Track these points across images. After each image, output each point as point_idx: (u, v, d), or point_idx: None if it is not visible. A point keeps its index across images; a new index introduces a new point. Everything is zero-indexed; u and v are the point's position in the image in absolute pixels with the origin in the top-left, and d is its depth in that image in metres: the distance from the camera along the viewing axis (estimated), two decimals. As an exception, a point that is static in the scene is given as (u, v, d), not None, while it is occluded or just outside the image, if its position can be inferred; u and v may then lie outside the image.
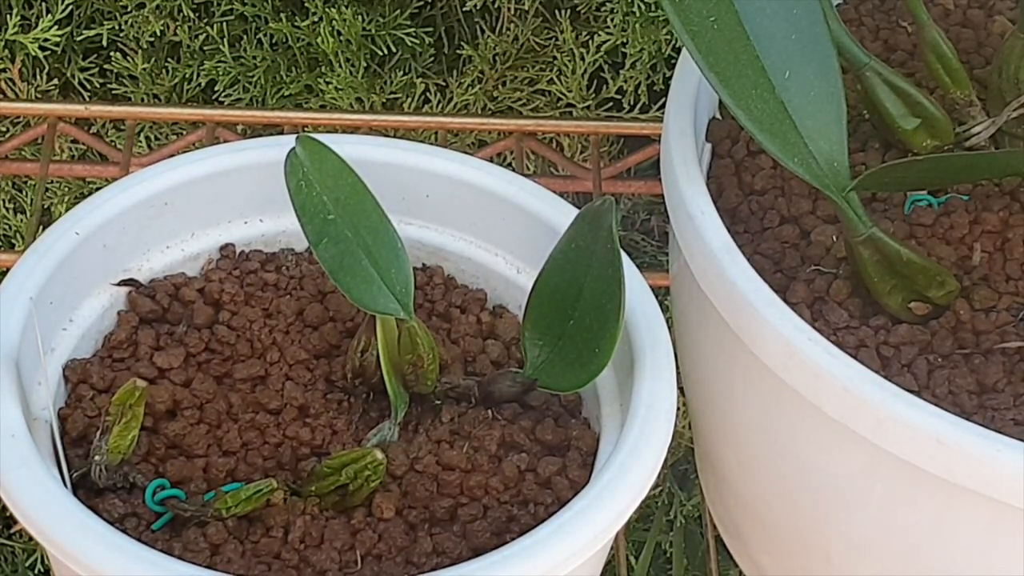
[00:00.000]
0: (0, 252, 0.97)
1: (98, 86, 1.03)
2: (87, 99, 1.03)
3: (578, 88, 1.03)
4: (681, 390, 0.63)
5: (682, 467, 1.11)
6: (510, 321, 0.63)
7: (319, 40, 0.98)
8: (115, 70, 1.02)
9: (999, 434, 0.54)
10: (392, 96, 1.03)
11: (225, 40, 1.00)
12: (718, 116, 0.68)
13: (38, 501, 0.52)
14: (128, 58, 1.01)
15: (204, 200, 0.63)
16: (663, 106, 0.69)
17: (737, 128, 0.66)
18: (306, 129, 0.87)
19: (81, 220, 0.61)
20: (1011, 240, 0.62)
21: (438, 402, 0.59)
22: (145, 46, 1.01)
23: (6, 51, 1.00)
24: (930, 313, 0.60)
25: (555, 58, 1.03)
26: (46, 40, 0.97)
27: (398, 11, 1.00)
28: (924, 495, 0.57)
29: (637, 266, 0.60)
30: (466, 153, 0.66)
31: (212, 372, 0.60)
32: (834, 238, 0.62)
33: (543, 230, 0.62)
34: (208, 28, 1.01)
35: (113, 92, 1.03)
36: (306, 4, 0.99)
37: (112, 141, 0.97)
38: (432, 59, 1.04)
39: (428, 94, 1.04)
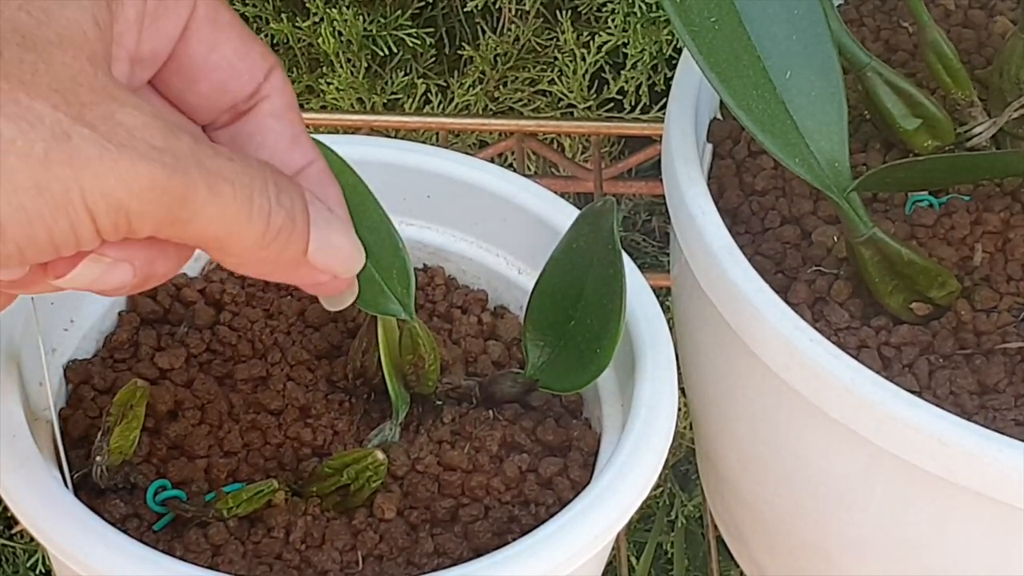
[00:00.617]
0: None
1: (99, 87, 1.03)
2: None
3: (579, 88, 1.03)
4: (682, 390, 0.63)
5: (683, 467, 1.12)
6: (511, 322, 0.63)
7: (320, 41, 0.98)
8: (116, 71, 1.02)
9: (1000, 434, 0.54)
10: (393, 97, 1.03)
11: (226, 41, 1.00)
12: (719, 116, 0.68)
13: (39, 502, 0.52)
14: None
15: (205, 201, 0.63)
16: (664, 106, 0.69)
17: (738, 128, 0.66)
18: (307, 129, 0.87)
19: (82, 221, 0.61)
20: (1012, 240, 0.62)
21: (439, 403, 0.59)
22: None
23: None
24: (931, 314, 0.60)
25: (556, 58, 1.03)
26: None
27: (399, 12, 1.00)
28: (925, 495, 0.57)
29: (638, 267, 0.60)
30: (467, 154, 0.66)
31: (213, 373, 0.60)
32: (835, 239, 0.62)
33: (544, 231, 0.62)
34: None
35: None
36: (307, 5, 0.99)
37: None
38: (433, 60, 1.04)
39: (429, 95, 1.04)
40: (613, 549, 0.62)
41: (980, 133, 0.64)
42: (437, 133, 0.89)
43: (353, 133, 0.83)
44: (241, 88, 0.49)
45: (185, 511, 0.55)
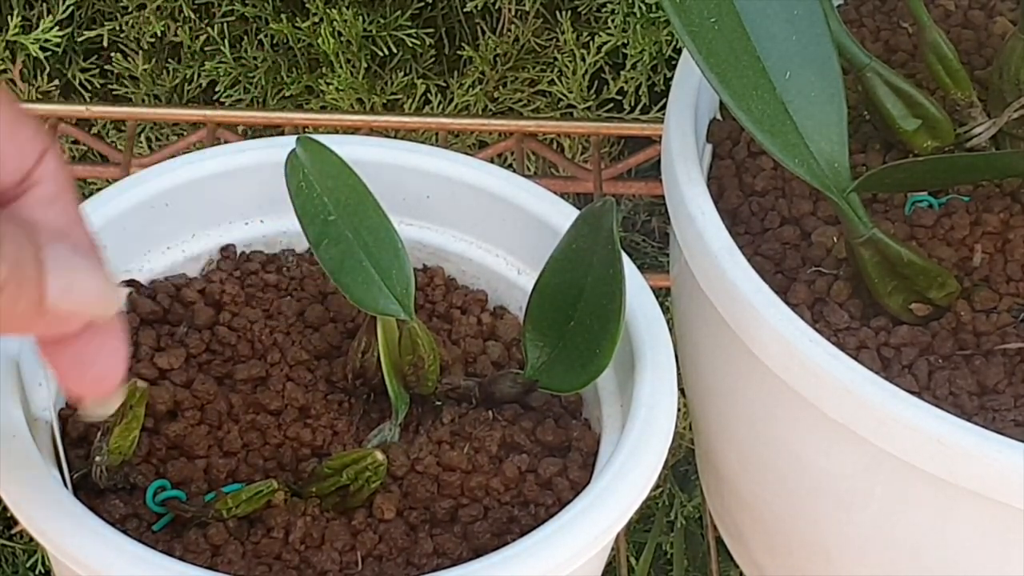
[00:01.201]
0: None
1: (99, 87, 1.03)
2: (88, 100, 1.03)
3: (579, 89, 1.03)
4: (682, 391, 0.63)
5: (683, 468, 1.11)
6: (511, 322, 0.63)
7: (320, 41, 0.98)
8: (116, 71, 1.02)
9: (1000, 435, 0.54)
10: (393, 97, 1.03)
11: (226, 41, 1.00)
12: (719, 117, 0.68)
13: (39, 502, 0.52)
14: (129, 59, 1.01)
15: (205, 201, 0.63)
16: (664, 107, 0.69)
17: (738, 129, 0.66)
18: (307, 130, 0.87)
19: (82, 221, 0.61)
20: (1012, 241, 0.62)
21: (439, 403, 0.59)
22: (146, 47, 1.01)
23: (7, 52, 1.00)
24: (931, 314, 0.60)
25: (556, 59, 1.03)
26: (47, 41, 0.98)
27: (399, 12, 1.00)
28: (925, 496, 0.57)
29: (638, 267, 0.60)
30: (467, 154, 0.66)
31: (213, 373, 0.60)
32: (835, 239, 0.62)
33: (544, 231, 0.62)
34: (209, 29, 1.01)
35: (114, 93, 1.03)
36: (307, 5, 0.99)
37: (113, 142, 0.97)
38: (433, 60, 1.04)
39: (429, 95, 1.04)
40: (613, 549, 0.62)
41: (980, 134, 0.64)
42: (437, 133, 0.89)
43: (353, 133, 0.83)
44: (7, 175, 0.45)
45: (184, 511, 0.55)
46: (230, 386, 0.60)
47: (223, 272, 0.63)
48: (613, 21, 1.01)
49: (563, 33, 1.02)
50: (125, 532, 0.53)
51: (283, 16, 0.99)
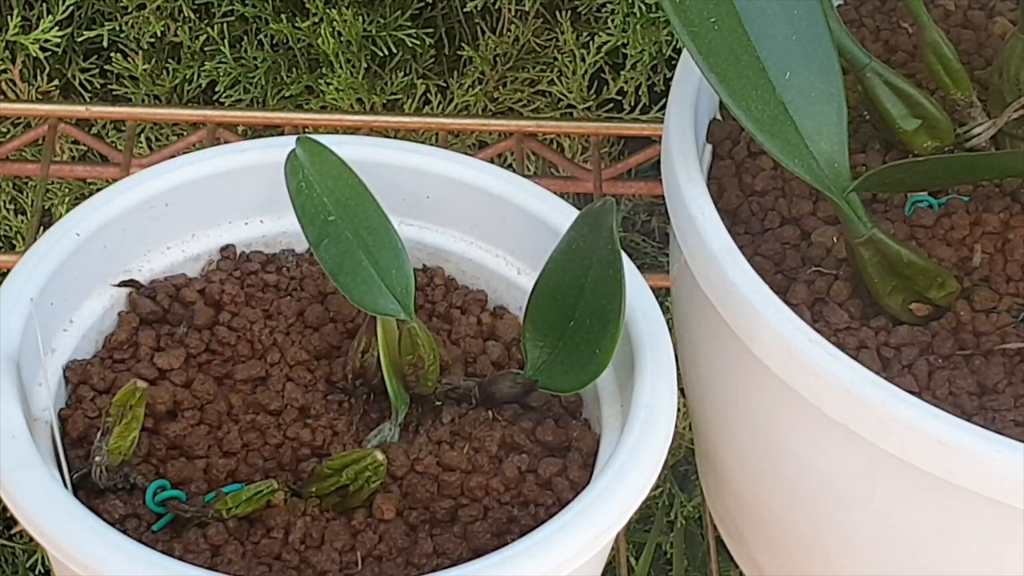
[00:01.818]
0: (1, 253, 0.97)
1: (99, 87, 1.03)
2: (88, 100, 1.03)
3: (579, 89, 1.03)
4: (682, 391, 0.63)
5: (683, 468, 1.11)
6: (511, 322, 0.63)
7: (320, 41, 0.98)
8: (116, 71, 1.02)
9: (999, 435, 0.54)
10: (393, 97, 1.03)
11: (226, 41, 1.00)
12: (719, 117, 0.68)
13: (39, 502, 0.52)
14: (129, 59, 1.01)
15: (205, 201, 0.63)
16: (663, 107, 0.69)
17: (738, 129, 0.66)
18: (307, 130, 0.87)
19: (82, 221, 0.61)
20: (1011, 241, 0.62)
21: (439, 403, 0.59)
22: (146, 47, 1.01)
23: (7, 52, 1.00)
24: (931, 314, 0.60)
25: (556, 59, 1.03)
26: (47, 41, 0.98)
27: (399, 12, 1.00)
28: (925, 496, 0.57)
29: (638, 267, 0.60)
30: (467, 154, 0.66)
31: (213, 373, 0.60)
32: (835, 239, 0.62)
33: (544, 231, 0.62)
34: (209, 29, 1.01)
35: (114, 93, 1.03)
36: (307, 5, 0.99)
37: (113, 142, 0.97)
38: (433, 60, 1.04)
39: (429, 95, 1.04)
40: (612, 549, 0.62)
41: (979, 134, 0.64)
42: (437, 133, 0.89)
43: (353, 133, 0.83)
44: None
45: (184, 511, 0.55)
46: (230, 386, 0.60)
47: (223, 272, 0.63)
48: (613, 21, 1.01)
49: (563, 33, 1.02)
50: (125, 532, 0.53)
51: (283, 16, 0.99)
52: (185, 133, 0.89)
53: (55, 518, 0.52)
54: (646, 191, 0.88)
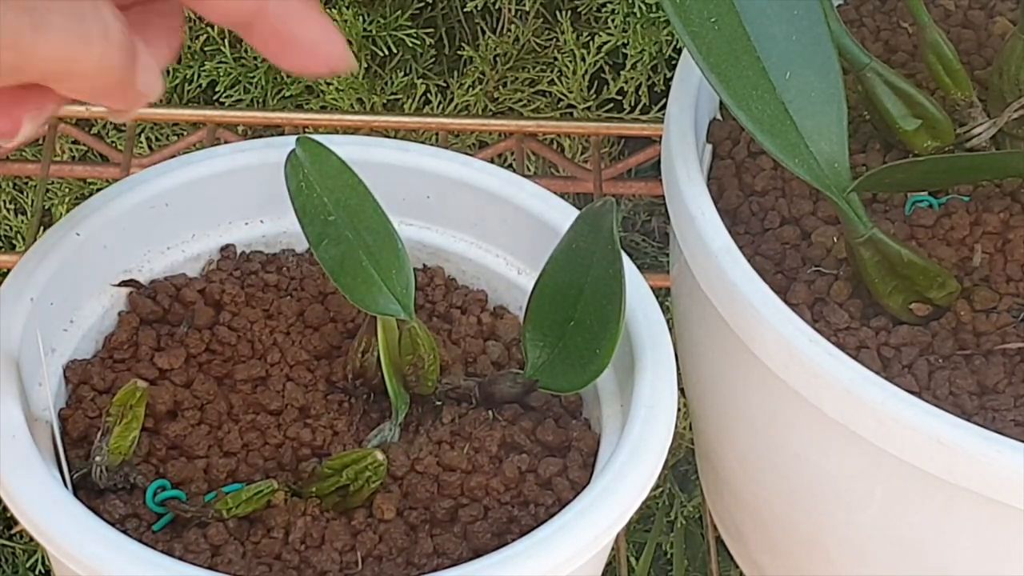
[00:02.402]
0: (1, 253, 0.97)
1: (99, 87, 1.03)
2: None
3: (579, 89, 1.03)
4: (682, 391, 0.63)
5: (683, 468, 1.12)
6: (511, 322, 0.63)
7: (320, 41, 0.98)
8: (116, 71, 1.02)
9: (1000, 435, 0.54)
10: (393, 97, 1.03)
11: (226, 41, 1.00)
12: (719, 117, 0.68)
13: (38, 502, 0.52)
14: (129, 59, 1.01)
15: (205, 201, 0.63)
16: (664, 107, 0.69)
17: (738, 129, 0.66)
18: (307, 130, 0.87)
19: (82, 221, 0.61)
20: (1012, 241, 0.62)
21: (439, 403, 0.59)
22: (146, 47, 1.01)
23: (7, 52, 1.00)
24: (931, 314, 0.60)
25: (556, 59, 1.03)
26: (47, 41, 0.97)
27: (399, 12, 1.00)
28: (925, 496, 0.57)
29: (638, 267, 0.60)
30: (467, 154, 0.66)
31: (213, 373, 0.60)
32: (835, 239, 0.62)
33: (544, 231, 0.62)
34: (209, 29, 1.01)
35: (114, 93, 1.03)
36: (307, 5, 0.99)
37: (113, 142, 0.97)
38: (433, 60, 1.04)
39: (429, 95, 1.04)
40: (613, 549, 0.62)
41: (980, 134, 0.64)
42: (437, 133, 0.89)
43: (353, 133, 0.83)
44: None
45: (184, 511, 0.55)
46: (230, 386, 0.60)
47: (223, 272, 0.63)
48: (613, 21, 1.01)
49: (563, 33, 1.02)
50: (125, 532, 0.53)
51: (283, 16, 0.99)
52: (185, 133, 0.89)
53: (55, 518, 0.52)
54: (646, 191, 0.88)
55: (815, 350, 0.56)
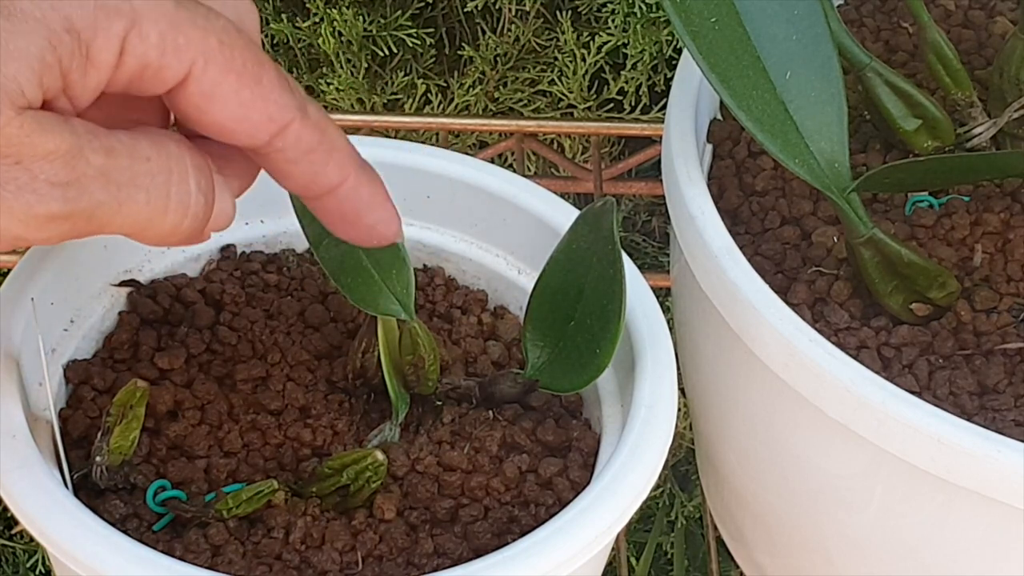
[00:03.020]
0: (1, 253, 0.97)
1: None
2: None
3: (579, 89, 1.03)
4: (682, 391, 0.63)
5: (683, 468, 1.12)
6: (511, 322, 0.63)
7: (320, 41, 0.98)
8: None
9: (1000, 435, 0.54)
10: (393, 97, 1.03)
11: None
12: (719, 117, 0.68)
13: (39, 502, 0.52)
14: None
15: (205, 201, 0.63)
16: (664, 107, 0.69)
17: (738, 129, 0.66)
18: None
19: (82, 221, 0.61)
20: (1012, 241, 0.62)
21: (439, 403, 0.59)
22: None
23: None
24: (931, 314, 0.60)
25: (556, 59, 1.03)
26: (47, 41, 0.97)
27: (399, 12, 1.00)
28: (925, 496, 0.57)
29: (638, 267, 0.60)
30: (467, 154, 0.66)
31: (213, 373, 0.60)
32: (835, 239, 0.62)
33: (544, 231, 0.62)
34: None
35: (114, 93, 1.03)
36: (307, 5, 0.99)
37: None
38: (433, 60, 1.04)
39: (429, 95, 1.04)
40: (613, 549, 0.62)
41: (980, 134, 0.64)
42: (437, 133, 0.89)
43: (353, 133, 0.82)
44: (246, 143, 0.48)
45: (185, 511, 0.55)
46: (230, 386, 0.60)
47: (223, 272, 0.63)
48: (613, 21, 1.01)
49: (563, 33, 1.02)
50: (125, 532, 0.53)
51: (283, 16, 0.99)
52: (185, 133, 0.89)
53: (55, 518, 0.52)
54: (646, 191, 0.88)
55: (815, 350, 0.56)
